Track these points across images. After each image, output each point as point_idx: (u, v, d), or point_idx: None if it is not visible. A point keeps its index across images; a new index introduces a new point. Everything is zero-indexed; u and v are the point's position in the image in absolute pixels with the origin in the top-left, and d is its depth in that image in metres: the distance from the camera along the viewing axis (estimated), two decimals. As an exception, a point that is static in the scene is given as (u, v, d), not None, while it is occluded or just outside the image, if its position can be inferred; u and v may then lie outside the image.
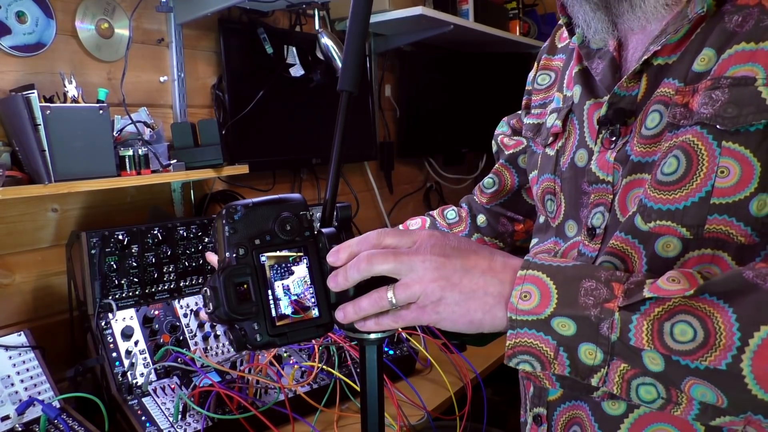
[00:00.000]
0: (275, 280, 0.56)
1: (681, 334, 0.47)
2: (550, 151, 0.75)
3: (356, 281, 0.55)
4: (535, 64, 0.89)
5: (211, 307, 0.55)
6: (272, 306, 0.56)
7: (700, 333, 0.46)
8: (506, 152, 0.94)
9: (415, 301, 0.54)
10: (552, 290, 0.52)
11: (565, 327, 0.51)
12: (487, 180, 0.97)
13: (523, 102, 0.92)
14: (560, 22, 0.80)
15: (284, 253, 0.57)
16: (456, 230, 0.98)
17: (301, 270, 0.58)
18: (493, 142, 1.00)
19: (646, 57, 0.60)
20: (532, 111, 0.85)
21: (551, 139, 0.75)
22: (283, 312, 0.56)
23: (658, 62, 0.60)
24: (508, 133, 0.97)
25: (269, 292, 0.56)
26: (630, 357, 0.49)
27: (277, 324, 0.56)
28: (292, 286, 0.57)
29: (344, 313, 0.56)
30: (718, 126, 0.52)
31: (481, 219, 0.97)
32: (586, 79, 0.70)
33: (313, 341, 1.29)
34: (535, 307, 0.51)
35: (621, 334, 0.49)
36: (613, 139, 0.63)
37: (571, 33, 0.73)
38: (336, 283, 0.56)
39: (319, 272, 0.58)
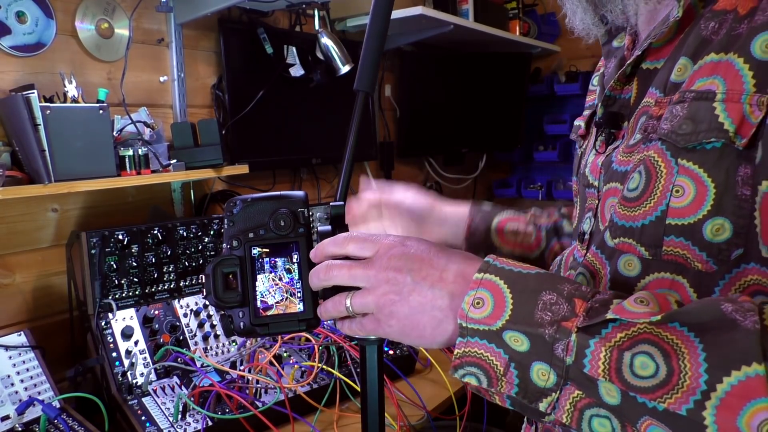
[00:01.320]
0: (263, 273, 0.59)
1: (641, 368, 0.41)
2: (579, 152, 0.74)
3: (320, 287, 0.57)
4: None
5: (205, 293, 0.59)
6: (258, 297, 0.59)
7: (662, 369, 0.41)
8: None
9: (372, 312, 0.54)
10: (507, 300, 0.48)
11: (518, 342, 0.46)
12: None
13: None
14: None
15: (275, 247, 0.60)
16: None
17: (291, 265, 0.60)
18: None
19: (631, 60, 0.58)
20: (584, 113, 0.83)
21: (580, 140, 0.74)
22: (267, 303, 0.59)
23: (646, 66, 0.58)
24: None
25: (256, 283, 0.59)
26: (585, 384, 0.44)
27: (261, 314, 0.59)
28: (279, 280, 0.59)
29: (319, 312, 0.59)
30: (675, 143, 0.49)
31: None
32: (602, 79, 0.69)
33: (313, 341, 1.29)
34: (487, 316, 0.48)
35: (576, 359, 0.44)
36: (609, 143, 0.61)
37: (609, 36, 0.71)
38: (311, 284, 0.58)
39: (307, 268, 0.60)
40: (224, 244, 0.60)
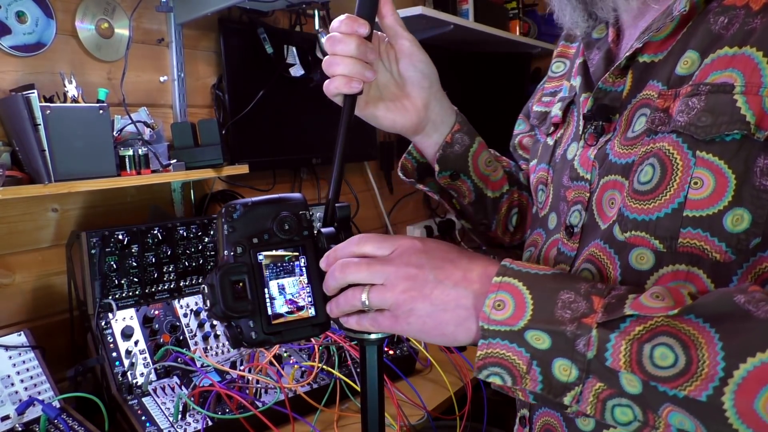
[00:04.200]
0: (272, 279, 0.57)
1: (661, 358, 0.43)
2: (550, 141, 0.73)
3: (335, 289, 0.56)
4: (554, 52, 0.86)
5: (209, 305, 0.56)
6: (268, 304, 0.56)
7: (681, 359, 0.43)
8: (526, 155, 0.88)
9: (389, 309, 0.53)
10: (527, 300, 0.49)
11: (540, 340, 0.48)
12: (523, 178, 0.89)
13: (538, 90, 0.87)
14: None
15: (281, 252, 0.58)
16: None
17: (298, 269, 0.58)
18: (512, 140, 0.93)
19: (628, 53, 0.58)
20: (543, 99, 0.82)
21: (552, 128, 0.73)
22: (278, 311, 0.57)
23: (643, 59, 0.58)
24: (525, 130, 0.90)
25: (265, 290, 0.56)
26: (607, 376, 0.46)
27: (273, 322, 0.56)
28: (288, 285, 0.57)
29: (329, 308, 0.57)
30: (693, 135, 0.49)
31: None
32: (585, 70, 0.68)
33: (313, 341, 1.29)
34: (509, 317, 0.49)
35: (598, 353, 0.45)
36: (598, 136, 0.61)
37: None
38: (326, 287, 0.57)
39: (316, 272, 0.58)
40: (225, 251, 0.56)
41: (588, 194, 0.60)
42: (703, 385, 0.42)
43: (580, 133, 0.64)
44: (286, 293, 0.57)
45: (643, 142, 0.54)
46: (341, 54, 0.64)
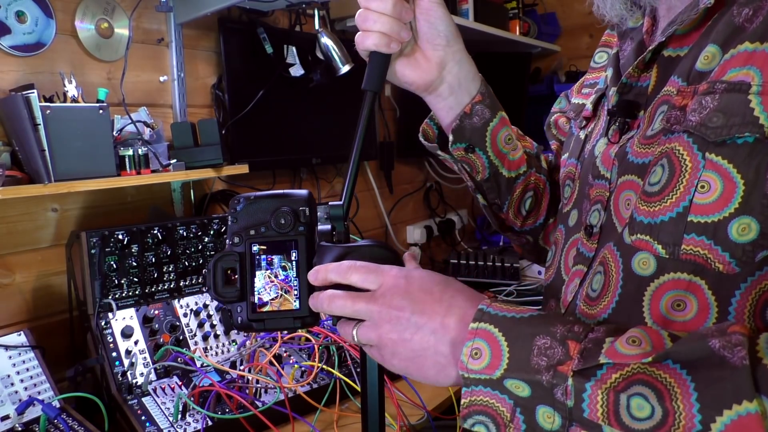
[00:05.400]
0: (261, 269, 0.60)
1: (638, 409, 0.42)
2: (582, 135, 0.71)
3: (322, 312, 0.58)
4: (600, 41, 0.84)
5: (205, 288, 0.60)
6: (256, 292, 0.60)
7: (657, 410, 0.41)
8: (561, 137, 0.87)
9: (375, 346, 0.55)
10: (503, 349, 0.48)
11: (519, 389, 0.47)
12: (551, 157, 0.88)
13: (582, 78, 0.85)
14: None
15: (273, 244, 0.61)
16: None
17: (288, 263, 0.61)
18: (548, 118, 0.92)
19: (653, 47, 0.56)
20: (583, 90, 0.81)
21: (584, 122, 0.71)
22: (264, 300, 0.60)
23: (668, 53, 0.55)
24: (564, 108, 0.88)
25: (255, 279, 0.60)
26: (589, 426, 0.45)
27: (258, 310, 0.60)
28: (275, 277, 0.60)
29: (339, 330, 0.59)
30: (703, 136, 0.47)
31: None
32: (617, 62, 0.66)
33: (313, 341, 1.29)
34: (485, 367, 0.48)
35: (575, 403, 0.45)
36: (623, 132, 0.59)
37: None
38: (312, 305, 0.59)
39: (306, 267, 0.60)
40: (227, 240, 0.61)
41: (608, 193, 0.59)
42: None
43: (606, 129, 0.62)
44: (272, 284, 0.60)
45: (659, 141, 0.52)
46: (377, 11, 0.63)
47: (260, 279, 0.60)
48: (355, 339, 0.56)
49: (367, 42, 0.64)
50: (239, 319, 0.60)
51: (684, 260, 0.49)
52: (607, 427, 0.43)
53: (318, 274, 0.58)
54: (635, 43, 0.63)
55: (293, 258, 0.60)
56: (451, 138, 0.74)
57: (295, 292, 0.60)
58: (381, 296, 0.54)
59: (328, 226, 0.62)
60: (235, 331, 1.35)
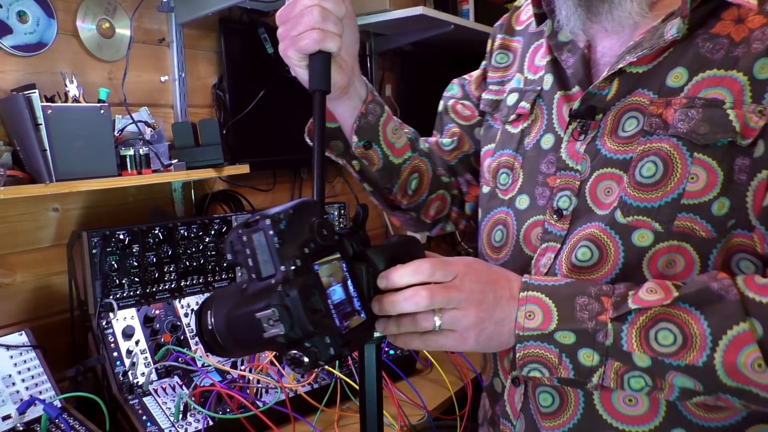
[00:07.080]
0: (329, 288, 0.53)
1: (664, 339, 0.56)
2: (513, 129, 0.79)
3: (409, 311, 0.57)
4: (490, 41, 0.94)
5: (284, 329, 0.49)
6: (335, 315, 0.52)
7: (679, 338, 0.56)
8: (461, 121, 0.94)
9: (458, 330, 0.59)
10: (552, 309, 0.60)
11: (566, 338, 0.59)
12: (445, 140, 0.93)
13: (478, 73, 0.96)
14: (518, 4, 0.89)
15: (328, 258, 0.54)
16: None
17: (342, 274, 0.55)
18: (442, 102, 0.98)
19: (621, 65, 0.65)
20: (490, 87, 0.89)
21: (513, 117, 0.80)
22: (343, 320, 0.53)
23: (631, 70, 0.66)
24: (458, 96, 0.96)
25: (329, 301, 0.52)
26: (622, 357, 0.58)
27: (343, 333, 0.52)
28: (337, 292, 0.54)
29: (388, 328, 0.60)
30: (692, 140, 0.61)
31: (440, 171, 0.92)
32: (557, 70, 0.76)
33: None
34: (540, 324, 0.60)
35: (614, 341, 0.58)
36: (582, 132, 0.70)
37: (539, 22, 0.78)
38: (381, 308, 0.58)
39: (354, 274, 0.57)
40: (281, 267, 0.50)
41: (578, 182, 0.70)
42: (698, 354, 0.55)
43: (562, 127, 0.72)
44: (342, 300, 0.54)
45: (639, 141, 0.65)
46: (329, 9, 0.65)
47: (334, 298, 0.53)
48: (439, 327, 0.58)
49: (308, 42, 0.64)
50: (331, 350, 0.50)
51: (675, 232, 0.62)
52: (639, 353, 0.57)
53: (395, 278, 0.58)
54: (577, 56, 0.73)
55: (344, 268, 0.55)
56: (355, 139, 0.79)
57: (359, 304, 0.56)
58: (463, 281, 0.60)
59: (348, 228, 0.59)
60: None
